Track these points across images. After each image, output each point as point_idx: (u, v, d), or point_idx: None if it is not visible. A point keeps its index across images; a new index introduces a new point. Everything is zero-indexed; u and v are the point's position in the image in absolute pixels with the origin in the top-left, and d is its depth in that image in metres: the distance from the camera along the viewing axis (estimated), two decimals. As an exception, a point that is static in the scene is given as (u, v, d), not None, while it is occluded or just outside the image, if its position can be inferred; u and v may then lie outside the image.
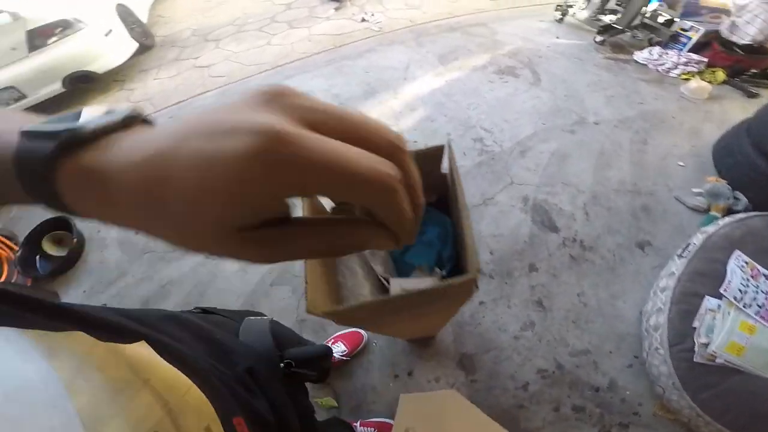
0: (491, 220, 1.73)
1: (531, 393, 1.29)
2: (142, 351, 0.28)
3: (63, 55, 2.53)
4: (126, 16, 3.03)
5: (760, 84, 2.43)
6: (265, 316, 0.58)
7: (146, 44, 3.21)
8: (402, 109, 2.31)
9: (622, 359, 1.36)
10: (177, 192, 0.15)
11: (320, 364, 0.53)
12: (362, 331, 1.39)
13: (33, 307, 0.24)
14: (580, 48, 2.80)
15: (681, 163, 1.96)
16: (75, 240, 1.72)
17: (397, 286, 0.40)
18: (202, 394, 0.29)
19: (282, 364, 0.48)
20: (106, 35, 2.75)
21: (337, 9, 3.44)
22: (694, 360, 1.15)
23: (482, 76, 2.52)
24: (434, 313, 0.46)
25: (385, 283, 0.44)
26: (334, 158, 0.14)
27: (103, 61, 2.74)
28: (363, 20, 3.19)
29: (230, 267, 1.61)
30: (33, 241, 1.74)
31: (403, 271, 0.48)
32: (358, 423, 1.18)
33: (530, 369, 1.34)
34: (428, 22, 3.17)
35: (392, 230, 0.18)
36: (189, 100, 2.64)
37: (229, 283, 1.61)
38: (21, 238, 1.77)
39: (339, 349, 1.31)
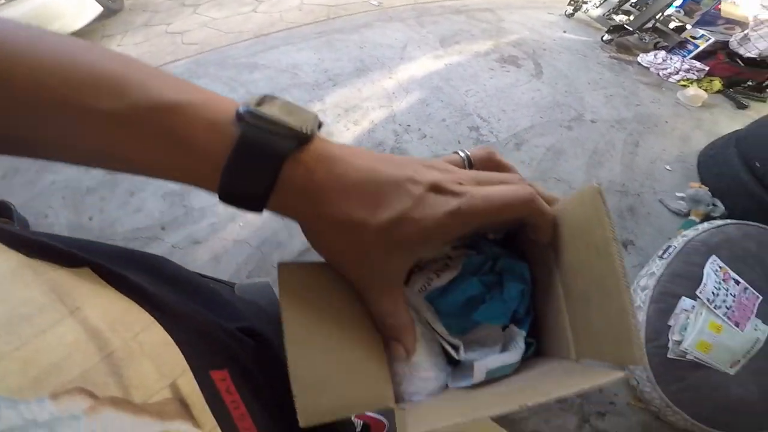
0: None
1: (518, 385, 1.33)
2: (79, 278, 0.19)
3: (15, 16, 2.28)
4: (89, -26, 2.76)
5: (751, 96, 2.50)
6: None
7: (113, 8, 2.90)
8: (396, 91, 2.20)
9: (602, 353, 1.40)
10: (388, 210, 0.21)
11: None
12: None
13: None
14: (585, 45, 2.75)
15: (668, 167, 1.98)
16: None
17: (483, 370, 0.29)
18: (168, 337, 0.19)
19: None
20: (65, -6, 2.49)
21: (335, -22, 3.24)
22: (668, 356, 1.22)
23: (483, 63, 2.44)
24: None
25: (451, 352, 0.32)
26: (497, 202, 0.23)
27: (59, 24, 2.46)
28: (362, -8, 3.03)
29: (202, 256, 1.50)
30: (-27, 226, 1.60)
31: (458, 327, 0.33)
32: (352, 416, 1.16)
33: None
34: (433, 1, 3.04)
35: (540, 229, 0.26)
36: (162, 67, 2.41)
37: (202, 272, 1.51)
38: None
39: None
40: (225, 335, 0.25)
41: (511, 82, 2.32)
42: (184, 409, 0.18)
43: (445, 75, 2.32)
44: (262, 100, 0.20)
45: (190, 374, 0.19)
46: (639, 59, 2.64)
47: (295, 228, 0.27)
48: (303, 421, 0.19)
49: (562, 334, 0.29)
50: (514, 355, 0.30)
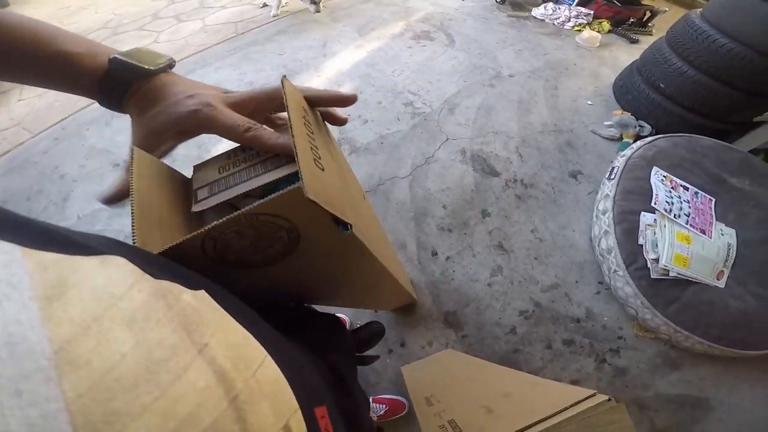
0: (437, 177, 1.73)
1: (521, 336, 1.31)
2: (201, 304, 0.19)
3: None
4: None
5: (639, 32, 2.82)
6: None
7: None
8: (327, 86, 2.20)
9: (589, 287, 1.42)
10: (183, 107, 0.32)
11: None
12: (344, 316, 1.31)
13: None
14: (484, 8, 2.94)
15: (589, 102, 2.18)
16: None
17: None
18: (279, 372, 0.19)
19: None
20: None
21: (232, -4, 3.16)
22: (652, 277, 1.20)
23: (401, 43, 2.52)
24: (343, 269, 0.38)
25: None
26: (216, 123, 0.31)
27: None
28: (264, 5, 2.98)
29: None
30: None
31: None
32: (371, 399, 1.15)
33: (512, 313, 1.36)
34: (338, -4, 3.06)
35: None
36: (72, 116, 2.14)
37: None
38: None
39: None
40: (317, 369, 0.26)
41: (430, 55, 2.42)
42: None
43: (370, 61, 2.36)
44: (131, 51, 0.33)
45: (299, 413, 0.20)
46: (533, 14, 2.88)
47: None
48: (311, 194, 0.23)
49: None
50: None
